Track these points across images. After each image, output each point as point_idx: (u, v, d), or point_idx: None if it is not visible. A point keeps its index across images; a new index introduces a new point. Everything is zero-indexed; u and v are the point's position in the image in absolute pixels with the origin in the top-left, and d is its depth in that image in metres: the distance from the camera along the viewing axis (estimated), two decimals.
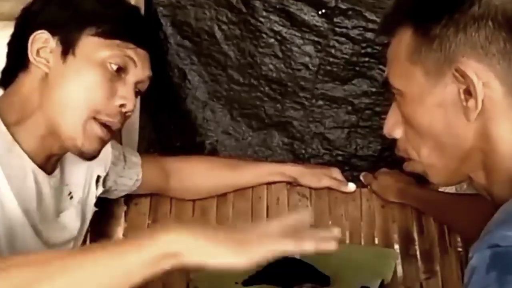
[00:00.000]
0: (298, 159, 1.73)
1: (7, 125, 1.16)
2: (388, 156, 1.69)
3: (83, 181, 1.33)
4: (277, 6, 1.61)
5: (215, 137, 1.75)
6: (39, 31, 1.17)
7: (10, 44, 1.24)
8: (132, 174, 1.49)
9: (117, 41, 1.18)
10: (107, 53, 1.17)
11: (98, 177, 1.39)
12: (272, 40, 1.65)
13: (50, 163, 1.23)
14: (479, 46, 0.86)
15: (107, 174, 1.42)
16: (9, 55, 1.23)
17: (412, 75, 0.92)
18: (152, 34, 1.36)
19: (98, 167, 1.36)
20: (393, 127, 1.00)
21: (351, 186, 1.65)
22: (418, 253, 1.55)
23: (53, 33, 1.17)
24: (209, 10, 1.64)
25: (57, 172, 1.25)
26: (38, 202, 1.20)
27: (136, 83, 1.23)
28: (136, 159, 1.50)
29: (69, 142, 1.19)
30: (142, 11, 1.57)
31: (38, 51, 1.17)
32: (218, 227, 1.29)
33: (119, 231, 1.55)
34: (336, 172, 1.66)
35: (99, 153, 1.23)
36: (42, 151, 1.19)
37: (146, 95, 1.60)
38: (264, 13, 1.63)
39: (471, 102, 0.86)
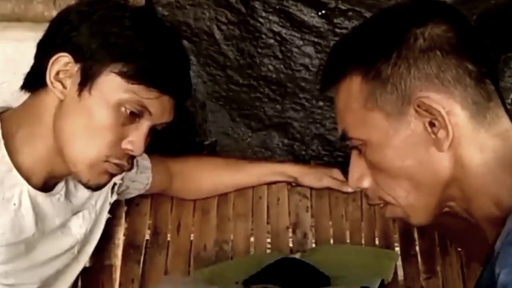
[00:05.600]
0: (298, 160, 1.73)
1: (11, 142, 1.13)
2: None
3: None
4: (277, 7, 1.61)
5: (214, 138, 1.74)
6: (62, 54, 1.10)
7: (39, 46, 1.16)
8: (144, 179, 1.49)
9: (138, 87, 1.09)
10: (124, 97, 1.09)
11: (114, 184, 1.38)
12: (271, 40, 1.65)
13: (50, 183, 1.20)
14: (434, 76, 0.86)
15: (121, 180, 1.41)
16: (36, 59, 1.16)
17: (372, 121, 0.90)
18: (184, 81, 1.20)
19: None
20: (360, 179, 0.97)
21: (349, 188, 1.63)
22: (418, 253, 1.55)
23: (76, 59, 1.10)
24: (208, 10, 1.64)
25: (60, 186, 1.22)
26: (37, 221, 1.18)
27: (152, 126, 1.15)
28: (147, 163, 1.49)
29: (73, 173, 1.16)
30: None
31: (58, 73, 1.10)
32: None
33: (120, 231, 1.55)
34: (336, 173, 1.66)
35: (106, 185, 1.20)
36: (42, 171, 1.16)
37: None
38: (264, 14, 1.62)
39: (442, 133, 0.86)
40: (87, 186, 1.17)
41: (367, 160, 0.94)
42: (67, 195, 1.24)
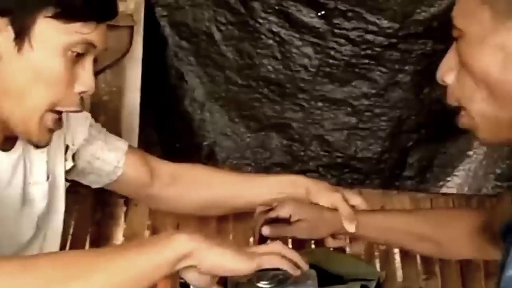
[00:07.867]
0: (297, 161, 1.73)
1: None
2: (388, 158, 1.69)
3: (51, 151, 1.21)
4: (276, 7, 1.61)
5: (212, 139, 1.74)
6: None
7: None
8: (112, 159, 1.31)
9: (78, 24, 1.03)
10: (68, 40, 1.03)
11: (67, 148, 1.26)
12: (270, 41, 1.65)
13: (8, 141, 1.12)
14: None
15: (77, 152, 1.29)
16: None
17: (480, 14, 0.86)
18: (113, 3, 1.12)
19: (68, 136, 1.25)
20: (446, 72, 0.94)
21: (351, 227, 1.25)
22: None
23: (1, 14, 1.01)
24: (208, 10, 1.64)
25: (18, 145, 1.14)
26: None
27: (95, 59, 1.09)
28: (121, 144, 1.33)
29: (21, 134, 1.10)
30: (142, 11, 1.57)
31: None
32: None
33: (119, 232, 1.54)
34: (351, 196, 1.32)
35: (49, 142, 1.12)
36: None
37: (145, 95, 1.62)
38: (263, 14, 1.63)
39: None
40: (34, 145, 1.11)
41: (459, 54, 0.91)
42: (26, 154, 1.16)
